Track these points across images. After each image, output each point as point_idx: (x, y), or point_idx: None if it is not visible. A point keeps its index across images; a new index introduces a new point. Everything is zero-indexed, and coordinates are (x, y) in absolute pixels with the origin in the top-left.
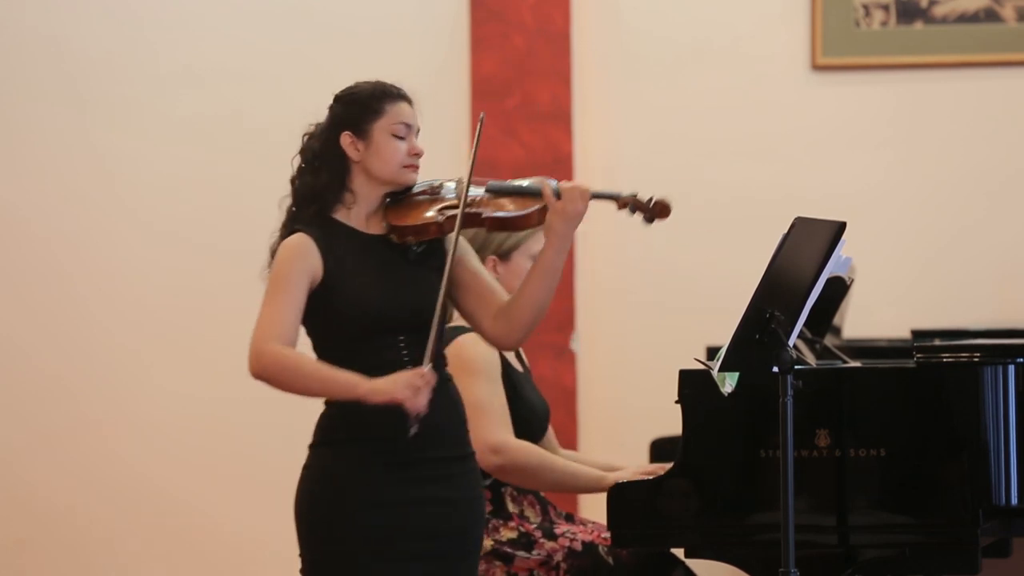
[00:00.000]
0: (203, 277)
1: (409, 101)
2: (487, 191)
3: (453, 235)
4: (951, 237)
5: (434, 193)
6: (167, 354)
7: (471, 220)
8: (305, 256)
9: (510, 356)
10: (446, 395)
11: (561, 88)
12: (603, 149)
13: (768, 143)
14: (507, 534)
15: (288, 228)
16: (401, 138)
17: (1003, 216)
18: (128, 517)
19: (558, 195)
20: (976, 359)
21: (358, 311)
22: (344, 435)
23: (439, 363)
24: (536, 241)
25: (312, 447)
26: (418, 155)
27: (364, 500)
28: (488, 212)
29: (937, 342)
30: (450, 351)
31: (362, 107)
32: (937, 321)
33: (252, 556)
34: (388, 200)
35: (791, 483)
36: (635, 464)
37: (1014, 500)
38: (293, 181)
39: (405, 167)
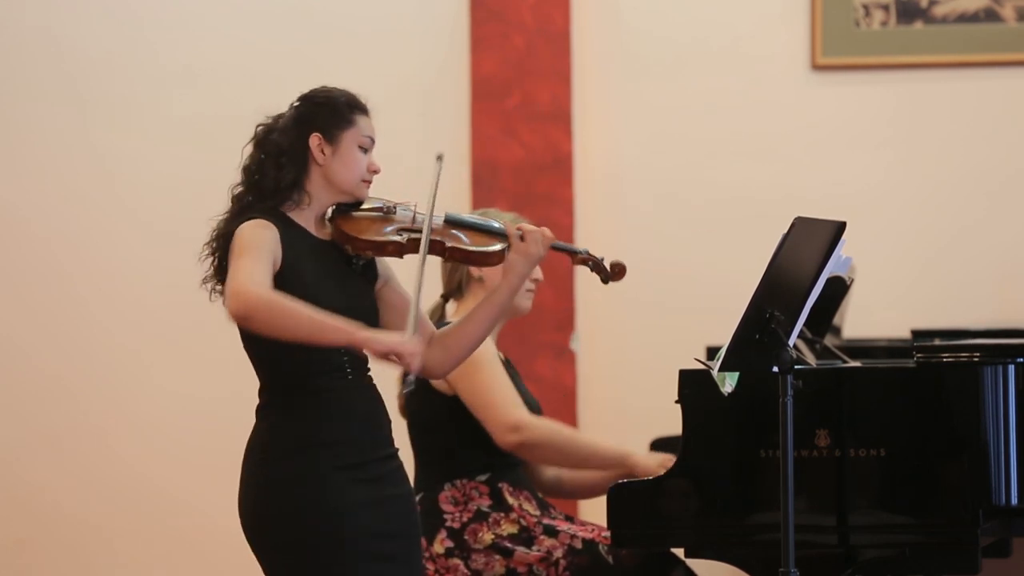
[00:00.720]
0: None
1: (369, 117)
2: (446, 222)
3: (418, 257)
4: (951, 237)
5: (387, 212)
6: (167, 354)
7: (433, 247)
8: (272, 236)
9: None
10: (377, 395)
11: (561, 88)
12: (603, 149)
13: (768, 143)
14: (508, 528)
15: (242, 216)
16: (365, 151)
17: (1003, 216)
18: (128, 517)
19: (521, 237)
20: (976, 359)
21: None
22: (292, 445)
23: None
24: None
25: (256, 463)
26: (376, 172)
27: (327, 505)
28: (450, 243)
29: (937, 342)
30: None
31: (335, 113)
32: (937, 321)
33: (251, 556)
34: (335, 209)
35: (791, 483)
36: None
37: (1014, 500)
38: (250, 171)
39: (363, 181)
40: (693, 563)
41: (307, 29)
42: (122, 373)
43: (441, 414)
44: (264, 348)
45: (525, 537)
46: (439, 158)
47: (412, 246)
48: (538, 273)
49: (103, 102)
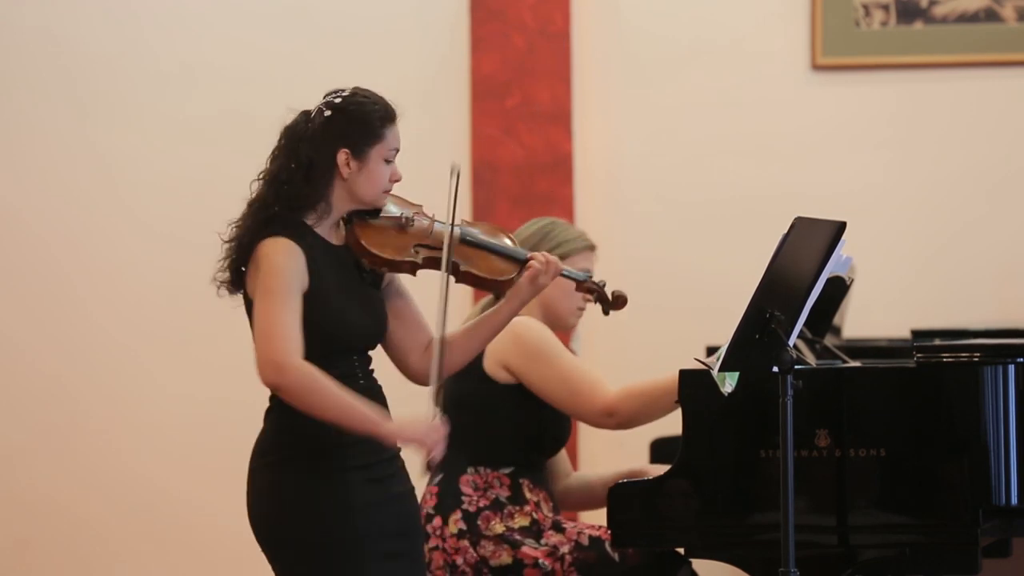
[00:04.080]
0: (203, 277)
1: (397, 124)
2: (462, 240)
3: (441, 274)
4: (951, 237)
5: (405, 223)
6: (167, 354)
7: (447, 267)
8: (300, 266)
9: None
10: (382, 396)
11: (561, 88)
12: (603, 149)
13: (768, 143)
14: (520, 520)
15: (267, 228)
16: (389, 162)
17: (1003, 216)
18: (128, 517)
19: (531, 263)
20: (976, 359)
21: (335, 329)
22: (307, 446)
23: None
24: (582, 259)
25: (267, 466)
26: (397, 181)
27: (343, 505)
28: (465, 266)
29: (937, 342)
30: (505, 338)
31: (366, 128)
32: (937, 321)
33: (252, 556)
34: (352, 214)
35: (791, 483)
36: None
37: (1014, 500)
38: (278, 180)
39: (385, 192)
40: (694, 563)
41: (307, 29)
42: (122, 373)
43: (486, 400)
44: None
45: (535, 530)
46: (455, 172)
47: (427, 264)
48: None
49: (103, 102)
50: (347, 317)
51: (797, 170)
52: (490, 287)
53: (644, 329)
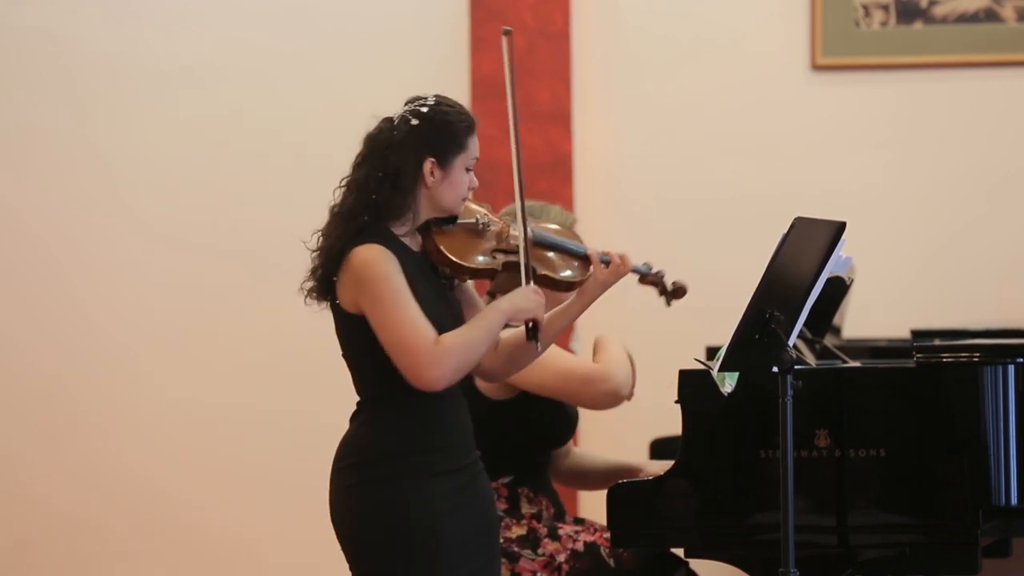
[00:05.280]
0: (203, 277)
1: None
2: (536, 243)
3: (520, 260)
4: (950, 237)
5: (481, 230)
6: (167, 354)
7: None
8: (398, 269)
9: None
10: (464, 403)
11: (561, 88)
12: (603, 149)
13: (768, 143)
14: (517, 531)
15: (358, 237)
16: (469, 171)
17: (1003, 216)
18: (128, 517)
19: (606, 263)
20: (976, 359)
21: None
22: (397, 449)
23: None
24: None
25: (351, 467)
26: (475, 189)
27: (430, 508)
28: (541, 269)
29: (937, 342)
30: None
31: (452, 138)
32: (937, 321)
33: (252, 557)
34: (431, 223)
35: (791, 483)
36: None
37: (1014, 500)
38: (366, 189)
39: (464, 200)
40: (693, 563)
41: (307, 29)
42: (121, 373)
43: (479, 414)
44: (370, 361)
45: (532, 539)
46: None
47: (505, 268)
48: None
49: (103, 102)
50: (438, 322)
51: (797, 170)
52: (567, 288)
53: (644, 329)
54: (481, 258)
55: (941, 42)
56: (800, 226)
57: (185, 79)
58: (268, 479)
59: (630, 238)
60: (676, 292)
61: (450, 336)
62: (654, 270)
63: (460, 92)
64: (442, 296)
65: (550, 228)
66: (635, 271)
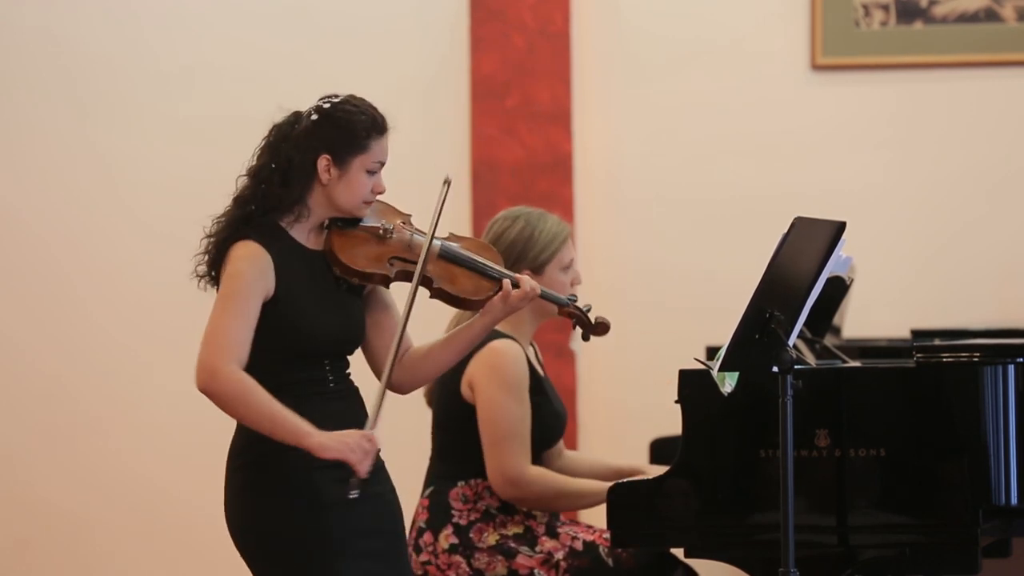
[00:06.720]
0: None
1: (386, 137)
2: (441, 255)
3: (410, 286)
4: (950, 236)
5: (384, 235)
6: (167, 354)
7: (421, 281)
8: (264, 272)
9: (532, 358)
10: (358, 398)
11: (561, 88)
12: (603, 149)
13: (768, 143)
14: (513, 529)
15: (240, 230)
16: (372, 173)
17: (1003, 216)
18: (128, 517)
19: (514, 284)
20: (976, 359)
21: (302, 333)
22: (276, 447)
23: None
24: (567, 251)
25: (238, 468)
26: (380, 193)
27: (315, 504)
28: (439, 283)
29: (937, 342)
30: (482, 356)
31: (351, 138)
32: (937, 321)
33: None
34: (333, 221)
35: (791, 483)
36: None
37: (1014, 500)
38: (258, 178)
39: (364, 203)
40: (693, 563)
41: (307, 29)
42: (121, 373)
43: (463, 419)
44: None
45: (529, 537)
46: (446, 182)
47: (400, 276)
48: (578, 277)
49: (103, 102)
50: (314, 322)
51: (797, 170)
52: (462, 305)
53: (644, 329)
54: (371, 263)
55: (941, 42)
56: (800, 226)
57: (185, 79)
58: None
59: (630, 238)
60: (597, 328)
61: (244, 380)
62: (579, 304)
63: (460, 92)
64: (331, 296)
65: (463, 243)
66: (554, 300)
